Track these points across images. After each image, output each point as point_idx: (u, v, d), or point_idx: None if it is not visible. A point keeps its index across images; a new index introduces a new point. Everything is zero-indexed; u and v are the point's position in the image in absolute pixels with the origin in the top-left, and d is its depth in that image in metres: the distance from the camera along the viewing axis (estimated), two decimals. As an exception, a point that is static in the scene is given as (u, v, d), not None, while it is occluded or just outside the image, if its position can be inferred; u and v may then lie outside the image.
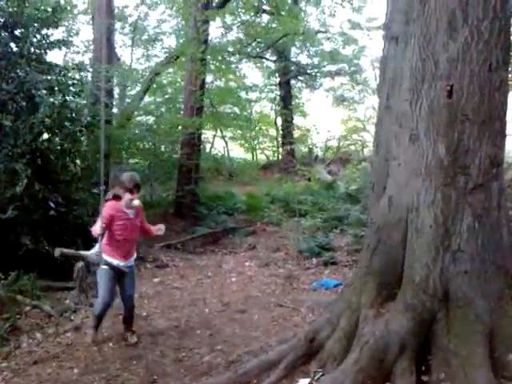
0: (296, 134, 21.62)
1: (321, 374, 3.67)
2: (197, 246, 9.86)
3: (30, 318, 5.41)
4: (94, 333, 4.84)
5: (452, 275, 3.45)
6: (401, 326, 3.38)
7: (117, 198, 4.64)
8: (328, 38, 18.95)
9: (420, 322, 3.43)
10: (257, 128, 22.30)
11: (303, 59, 20.15)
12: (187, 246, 9.68)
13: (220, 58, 14.20)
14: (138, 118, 14.00)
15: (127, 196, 4.56)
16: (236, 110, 17.15)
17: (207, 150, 19.00)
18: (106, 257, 4.59)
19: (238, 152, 22.67)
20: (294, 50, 19.69)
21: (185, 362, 4.40)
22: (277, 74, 20.56)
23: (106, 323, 5.37)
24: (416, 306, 3.45)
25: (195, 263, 8.44)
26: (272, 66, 20.34)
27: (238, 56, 16.77)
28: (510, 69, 3.82)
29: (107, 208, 4.57)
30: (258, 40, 16.88)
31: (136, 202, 4.63)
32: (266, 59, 19.81)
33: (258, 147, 23.17)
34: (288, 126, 20.32)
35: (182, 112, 13.31)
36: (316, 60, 19.86)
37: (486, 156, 3.45)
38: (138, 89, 15.35)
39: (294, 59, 19.95)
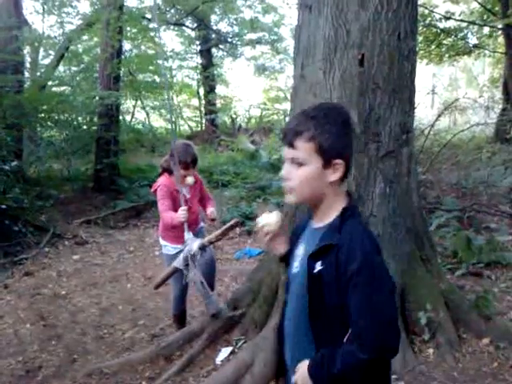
0: (219, 103, 21.45)
1: (243, 341, 3.73)
2: (118, 220, 9.62)
3: None
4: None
5: (366, 239, 3.57)
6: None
7: (167, 171, 3.93)
8: (248, 6, 18.77)
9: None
10: (179, 97, 21.88)
11: (223, 27, 19.86)
12: (108, 221, 9.41)
13: (137, 25, 13.66)
14: (54, 89, 13.29)
15: (180, 172, 3.73)
16: (156, 78, 16.68)
17: (127, 121, 18.42)
18: (172, 245, 3.96)
19: (160, 123, 22.17)
20: (214, 17, 19.35)
21: (106, 339, 4.34)
22: (197, 43, 20.17)
23: (22, 304, 5.19)
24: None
25: (116, 238, 8.24)
26: (192, 34, 19.90)
27: (154, 23, 16.22)
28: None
29: (164, 187, 3.81)
30: (178, 7, 16.42)
31: (190, 180, 3.90)
32: (186, 27, 19.33)
33: (180, 117, 22.77)
34: (210, 95, 20.09)
35: (98, 81, 12.79)
36: (236, 28, 19.64)
37: (396, 123, 3.56)
38: (51, 57, 14.55)
39: (214, 27, 19.62)
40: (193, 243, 3.52)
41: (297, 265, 1.69)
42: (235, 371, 3.28)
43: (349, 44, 3.52)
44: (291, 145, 1.56)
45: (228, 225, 3.62)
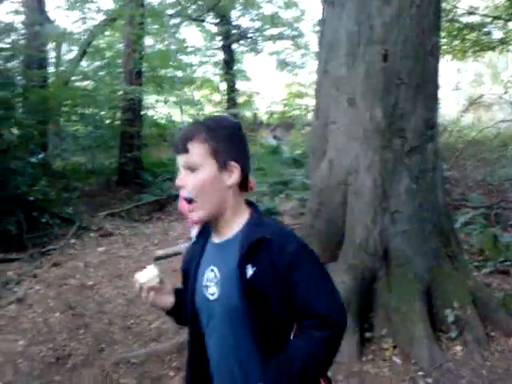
0: (240, 99, 21.46)
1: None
2: (142, 213, 9.76)
3: (-29, 291, 5.28)
4: None
5: (391, 235, 3.59)
6: (343, 286, 3.48)
7: None
8: (269, 1, 18.73)
9: (361, 281, 3.56)
10: (200, 92, 21.95)
11: (244, 23, 19.87)
12: (132, 214, 9.57)
13: (160, 21, 13.77)
14: (77, 84, 13.48)
15: None
16: (178, 74, 16.77)
17: (150, 116, 18.58)
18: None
19: (183, 117, 22.24)
20: (234, 13, 19.36)
21: (133, 329, 4.42)
22: (218, 38, 20.21)
23: (51, 293, 5.31)
24: (357, 265, 3.58)
25: (141, 231, 8.36)
26: (214, 29, 19.95)
27: (178, 19, 16.32)
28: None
29: None
30: (199, 2, 16.46)
31: None
32: (207, 22, 19.38)
33: (202, 113, 22.85)
34: (231, 91, 20.13)
35: (121, 76, 12.93)
36: (257, 24, 19.62)
37: (420, 119, 3.57)
38: (75, 52, 14.73)
39: (235, 23, 19.64)
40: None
41: (213, 291, 1.51)
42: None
43: (372, 39, 3.54)
44: (184, 150, 1.50)
45: None
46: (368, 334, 3.54)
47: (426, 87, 3.61)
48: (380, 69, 3.52)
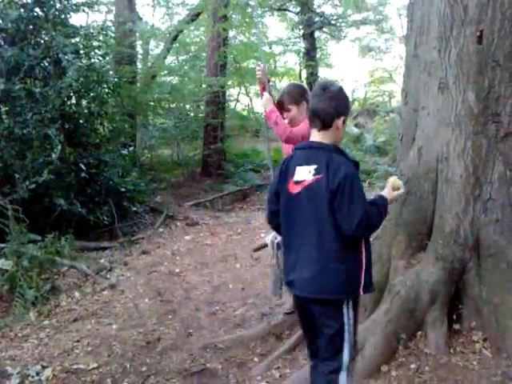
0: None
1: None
2: (225, 203, 9.98)
3: (68, 277, 5.62)
4: None
5: (483, 224, 3.43)
6: (432, 276, 3.40)
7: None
8: (352, -14, 18.32)
9: (451, 272, 3.44)
10: (281, 82, 21.96)
11: (327, 9, 19.57)
12: (216, 204, 9.81)
13: (244, 13, 13.86)
14: (163, 78, 13.95)
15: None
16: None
17: (232, 107, 18.88)
18: None
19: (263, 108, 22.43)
20: (317, 0, 19.14)
21: (218, 316, 4.54)
22: (300, 27, 20.07)
23: (141, 280, 5.56)
24: (447, 255, 3.45)
25: (224, 220, 8.56)
26: (295, 18, 19.83)
27: (260, 9, 16.37)
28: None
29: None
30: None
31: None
32: (290, 11, 19.30)
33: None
34: (313, 79, 19.96)
35: (205, 70, 13.21)
36: (340, 10, 19.27)
37: (517, 102, 3.36)
38: (161, 48, 15.22)
39: (317, 10, 19.40)
40: None
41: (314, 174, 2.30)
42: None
43: (466, 20, 3.36)
44: None
45: None
46: (457, 326, 3.42)
47: (524, 69, 3.39)
48: (474, 51, 3.34)
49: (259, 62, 3.64)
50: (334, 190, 2.24)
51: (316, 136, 2.43)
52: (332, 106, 2.38)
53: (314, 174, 2.30)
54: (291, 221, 2.44)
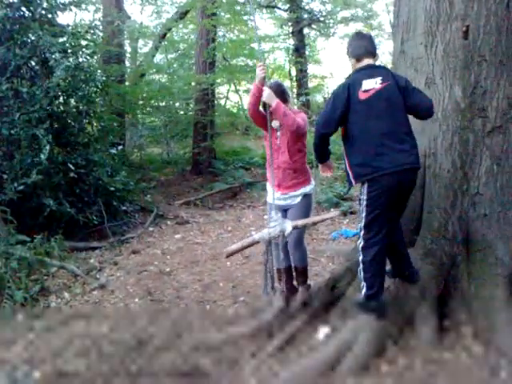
0: (311, 83, 21.23)
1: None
2: (215, 201, 9.96)
3: (58, 278, 5.57)
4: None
5: (471, 219, 3.45)
6: (421, 271, 3.41)
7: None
8: (340, -17, 18.32)
9: (440, 267, 3.46)
10: (271, 80, 21.87)
11: (315, 6, 19.55)
12: (206, 202, 9.78)
13: (232, 10, 13.83)
14: (152, 77, 13.89)
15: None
16: (249, 62, 16.85)
17: (222, 105, 18.84)
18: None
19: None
20: (305, -3, 19.12)
21: (209, 314, 4.52)
22: (289, 24, 20.05)
23: (131, 280, 5.53)
24: (435, 250, 3.47)
25: (215, 218, 8.53)
26: (284, 15, 19.80)
27: (248, 6, 16.33)
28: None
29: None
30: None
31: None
32: (278, 8, 19.26)
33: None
34: (303, 76, 19.94)
35: (194, 68, 13.17)
36: (329, 7, 19.27)
37: (503, 97, 3.38)
38: (149, 46, 15.15)
39: (306, 7, 19.38)
40: (285, 223, 3.52)
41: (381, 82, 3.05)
42: (336, 351, 3.30)
43: (452, 16, 3.38)
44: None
45: (329, 215, 3.65)
46: (447, 321, 3.42)
47: (510, 64, 3.40)
48: (460, 46, 3.36)
49: (260, 62, 3.67)
50: (404, 86, 3.09)
51: (371, 61, 3.20)
52: (373, 40, 3.33)
53: (382, 83, 3.06)
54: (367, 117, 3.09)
